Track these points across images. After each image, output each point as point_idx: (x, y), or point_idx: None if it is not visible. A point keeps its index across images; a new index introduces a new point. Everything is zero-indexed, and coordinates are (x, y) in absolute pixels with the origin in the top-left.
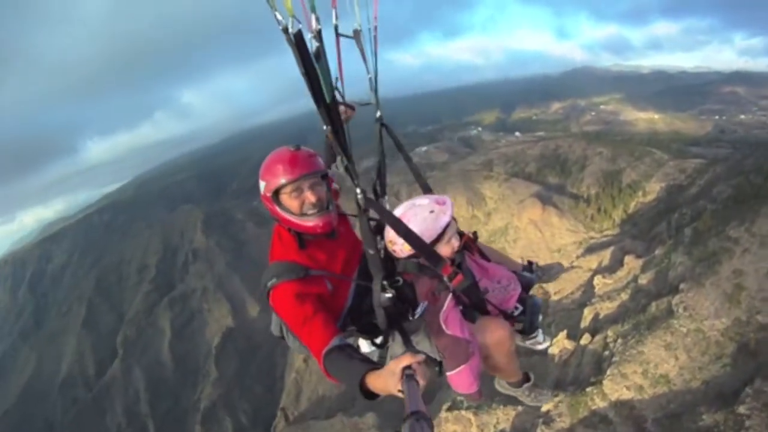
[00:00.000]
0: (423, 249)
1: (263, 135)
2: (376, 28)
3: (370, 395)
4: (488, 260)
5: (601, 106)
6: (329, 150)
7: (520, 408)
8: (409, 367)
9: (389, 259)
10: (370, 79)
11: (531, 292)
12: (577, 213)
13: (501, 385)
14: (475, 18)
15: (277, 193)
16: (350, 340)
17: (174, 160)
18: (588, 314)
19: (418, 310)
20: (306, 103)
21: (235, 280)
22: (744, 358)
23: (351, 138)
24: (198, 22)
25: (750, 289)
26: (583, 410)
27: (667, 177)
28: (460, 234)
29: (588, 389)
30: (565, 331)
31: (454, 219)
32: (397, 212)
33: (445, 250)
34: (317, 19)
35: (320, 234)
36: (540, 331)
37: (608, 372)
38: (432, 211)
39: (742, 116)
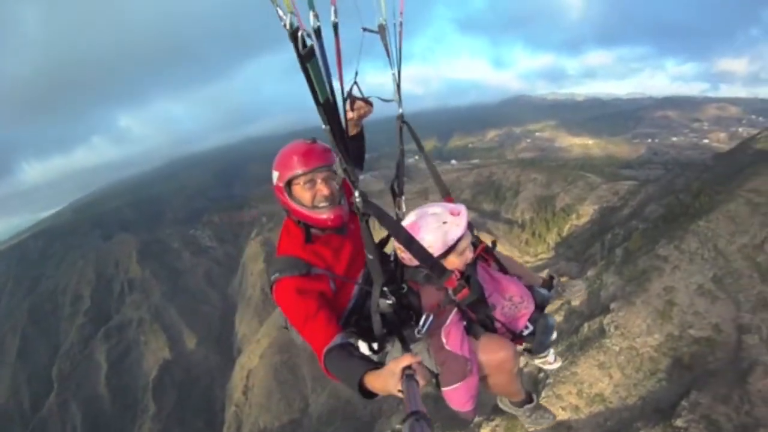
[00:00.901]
0: (426, 260)
1: (201, 162)
2: (401, 23)
3: (369, 394)
4: (506, 272)
5: (537, 133)
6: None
7: None
8: (409, 367)
9: (398, 265)
10: (393, 75)
11: (547, 310)
12: (511, 238)
13: (503, 403)
14: (415, 47)
15: (289, 184)
16: (351, 340)
17: (110, 185)
18: None
19: (422, 323)
20: (245, 130)
21: (172, 311)
22: (679, 372)
23: (368, 136)
24: (137, 45)
25: (681, 305)
26: (519, 431)
27: (601, 199)
28: (476, 244)
29: None
30: None
31: (470, 227)
32: (408, 219)
33: (456, 262)
34: (316, 16)
35: (330, 228)
36: (551, 351)
37: (543, 394)
38: (445, 222)
39: (674, 138)
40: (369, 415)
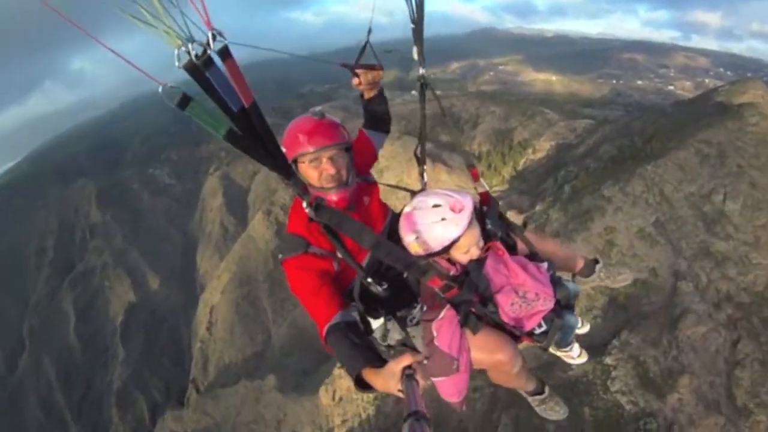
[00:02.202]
0: (399, 261)
1: (161, 99)
2: None
3: (366, 386)
4: (532, 257)
5: (500, 67)
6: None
7: None
8: (409, 366)
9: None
10: (413, 29)
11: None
12: (466, 169)
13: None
14: None
15: (296, 162)
16: (353, 315)
17: (68, 131)
18: None
19: (414, 314)
20: None
21: (134, 254)
22: (614, 311)
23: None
24: None
25: (621, 246)
26: None
27: (557, 136)
28: (495, 233)
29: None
30: None
31: (486, 216)
32: (409, 206)
33: (458, 257)
34: (213, 36)
35: (334, 208)
36: (575, 345)
37: None
38: (443, 219)
39: (640, 82)
40: None
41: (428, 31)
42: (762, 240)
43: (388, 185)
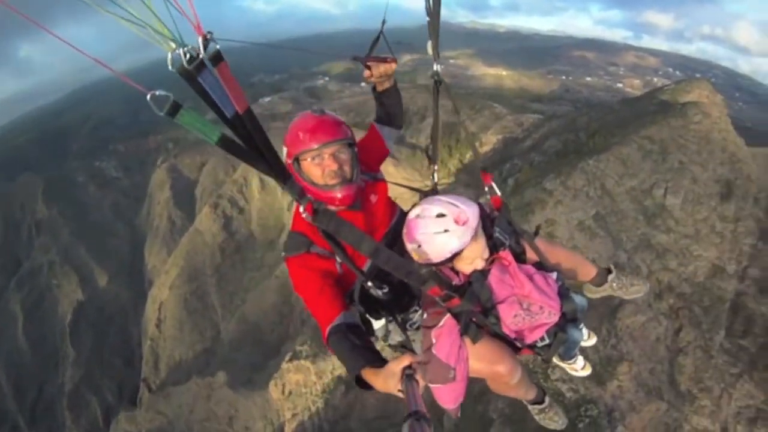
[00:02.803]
0: (397, 269)
1: (110, 88)
2: None
3: (367, 386)
4: (541, 265)
5: (451, 60)
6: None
7: None
8: (409, 366)
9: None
10: (428, 22)
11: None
12: (414, 162)
13: None
14: None
15: (298, 160)
16: (356, 319)
17: (13, 122)
18: None
19: (415, 320)
20: (156, 52)
21: (81, 250)
22: None
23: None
24: None
25: (561, 238)
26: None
27: (504, 130)
28: (498, 245)
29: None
30: None
31: (493, 224)
32: (413, 212)
33: (461, 267)
34: (205, 40)
35: (339, 206)
36: (579, 358)
37: None
38: (446, 231)
39: (589, 78)
40: (276, 339)
41: (379, 21)
42: (702, 233)
43: (396, 184)
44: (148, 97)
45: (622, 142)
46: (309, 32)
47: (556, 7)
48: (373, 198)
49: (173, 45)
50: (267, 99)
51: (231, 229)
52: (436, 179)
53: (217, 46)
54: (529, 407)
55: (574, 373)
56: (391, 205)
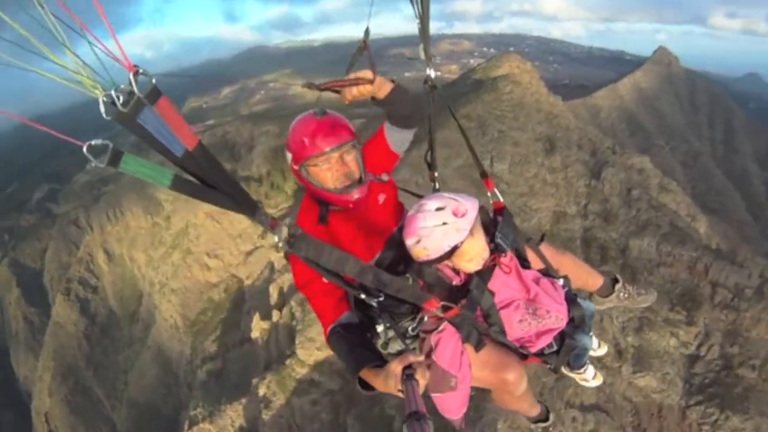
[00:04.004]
0: (387, 287)
1: None
2: None
3: (368, 386)
4: (547, 272)
5: (271, 84)
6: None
7: (244, 400)
8: (409, 366)
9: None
10: (418, 26)
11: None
12: (251, 194)
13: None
14: (143, 10)
15: (307, 167)
16: (357, 320)
17: None
18: (274, 291)
19: (414, 325)
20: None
21: None
22: None
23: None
24: None
25: None
26: (290, 382)
27: None
28: (501, 251)
29: (287, 362)
30: (257, 314)
31: (494, 224)
32: (411, 212)
33: (461, 266)
34: (135, 77)
35: (352, 207)
36: (589, 367)
37: (297, 340)
38: (444, 223)
39: (407, 74)
40: (171, 410)
41: (198, 58)
42: (536, 187)
43: (402, 189)
44: (84, 149)
45: (442, 125)
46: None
47: (366, 11)
48: (381, 198)
49: (100, 90)
50: (93, 164)
51: (90, 312)
52: (437, 186)
53: (153, 80)
54: (532, 426)
55: (584, 383)
56: (400, 207)
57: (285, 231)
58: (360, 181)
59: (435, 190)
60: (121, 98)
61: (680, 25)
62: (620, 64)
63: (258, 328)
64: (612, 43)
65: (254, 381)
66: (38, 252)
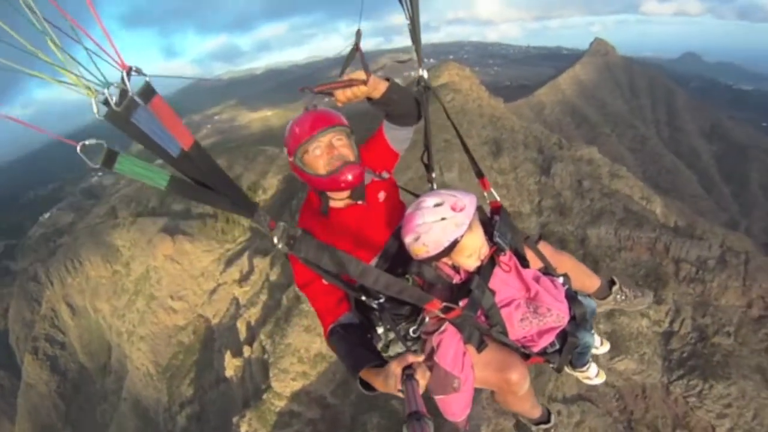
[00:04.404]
0: (388, 289)
1: None
2: None
3: (368, 387)
4: (546, 271)
5: (216, 117)
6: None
7: None
8: (409, 366)
9: (404, 255)
10: (408, 27)
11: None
12: (207, 231)
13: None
14: (80, 54)
15: (301, 157)
16: (357, 321)
17: None
18: (242, 327)
19: (416, 326)
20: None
21: None
22: None
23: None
24: None
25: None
26: (271, 416)
27: (282, 169)
28: (499, 250)
29: (264, 396)
30: (228, 352)
31: (493, 229)
32: (409, 210)
33: (461, 262)
34: (128, 74)
35: (345, 189)
36: (592, 365)
37: (271, 374)
38: (443, 219)
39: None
40: None
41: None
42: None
43: (402, 188)
44: (78, 149)
45: None
46: (69, 129)
47: (305, 35)
48: (382, 195)
49: (92, 89)
50: (47, 215)
51: (60, 369)
52: (434, 186)
53: (147, 78)
54: (534, 429)
55: (587, 381)
56: (401, 206)
57: (284, 232)
58: (353, 162)
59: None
60: (114, 98)
61: (614, 15)
62: (558, 59)
63: (231, 366)
64: (549, 40)
65: (234, 420)
66: (0, 312)
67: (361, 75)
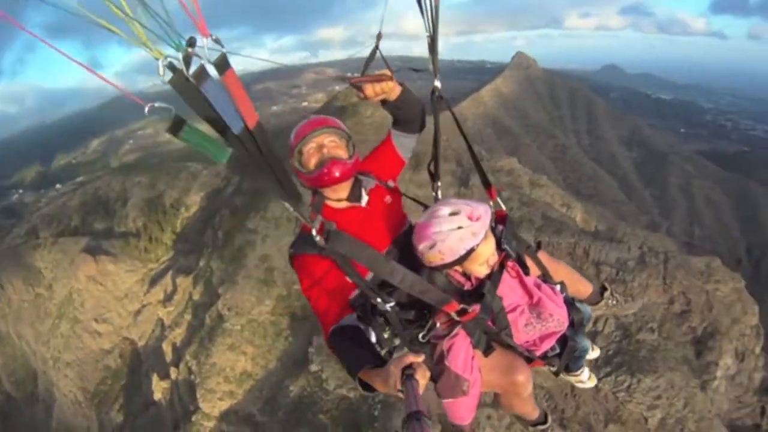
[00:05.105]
0: (413, 287)
1: None
2: None
3: (369, 387)
4: (544, 279)
5: (139, 132)
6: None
7: None
8: (409, 366)
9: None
10: (428, 39)
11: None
12: (130, 251)
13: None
14: (4, 64)
15: (297, 157)
16: (359, 324)
17: None
18: (167, 348)
19: (425, 331)
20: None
21: None
22: (299, 325)
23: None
24: None
25: (279, 267)
26: None
27: (205, 186)
28: (506, 257)
29: (193, 418)
30: (155, 375)
31: (497, 229)
32: (422, 218)
33: (473, 269)
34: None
35: (331, 183)
36: (585, 369)
37: (198, 395)
38: (460, 227)
39: (275, 107)
40: None
41: (63, 111)
42: (406, 204)
43: (404, 195)
44: (146, 109)
45: None
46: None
47: (231, 48)
48: (387, 200)
49: (162, 53)
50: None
51: None
52: (439, 196)
53: (223, 49)
54: (531, 429)
55: (580, 385)
56: (404, 216)
57: (322, 226)
58: (345, 160)
59: (436, 200)
60: (189, 63)
61: (537, 29)
62: (482, 73)
63: (159, 389)
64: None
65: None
66: None
67: (387, 72)
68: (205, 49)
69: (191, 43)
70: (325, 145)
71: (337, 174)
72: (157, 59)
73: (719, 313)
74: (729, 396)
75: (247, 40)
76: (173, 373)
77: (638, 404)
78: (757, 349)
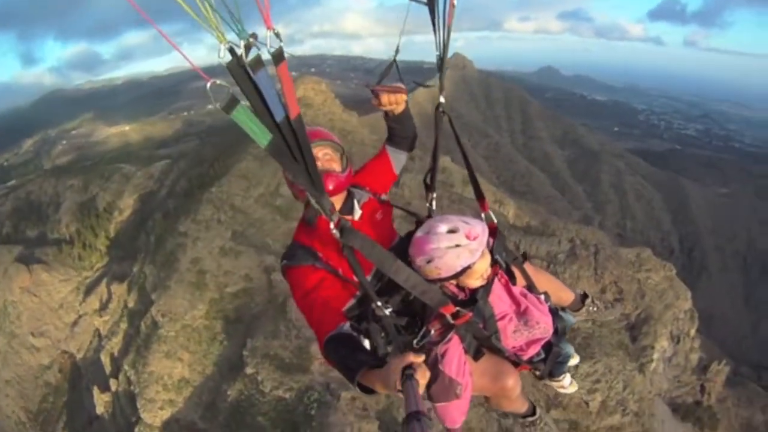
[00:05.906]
0: (415, 287)
1: None
2: None
3: (368, 390)
4: (529, 288)
5: (73, 131)
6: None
7: None
8: (409, 366)
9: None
10: (437, 56)
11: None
12: (63, 258)
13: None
14: None
15: None
16: (353, 333)
17: None
18: (106, 359)
19: (420, 337)
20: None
21: None
22: (233, 328)
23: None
24: None
25: (211, 270)
26: None
27: (138, 188)
28: (504, 261)
29: (135, 430)
30: (96, 388)
31: (496, 243)
32: (421, 230)
33: (468, 282)
34: (248, 44)
35: (330, 194)
36: (567, 375)
37: (139, 405)
38: (458, 246)
39: (210, 107)
40: None
41: None
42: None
43: (395, 206)
44: (208, 85)
45: (239, 158)
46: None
47: (168, 45)
48: (378, 215)
49: (225, 39)
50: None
51: None
52: (434, 207)
53: (281, 43)
54: (521, 422)
55: (562, 390)
56: (393, 229)
57: (339, 220)
58: (336, 172)
59: (431, 211)
60: (250, 51)
61: (477, 31)
62: (420, 73)
63: (101, 402)
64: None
65: None
66: None
67: (403, 86)
68: (268, 41)
69: (254, 36)
70: (320, 158)
71: (330, 187)
72: (220, 42)
73: (652, 299)
74: (668, 376)
75: (186, 35)
76: (113, 384)
77: (578, 389)
78: (692, 332)
